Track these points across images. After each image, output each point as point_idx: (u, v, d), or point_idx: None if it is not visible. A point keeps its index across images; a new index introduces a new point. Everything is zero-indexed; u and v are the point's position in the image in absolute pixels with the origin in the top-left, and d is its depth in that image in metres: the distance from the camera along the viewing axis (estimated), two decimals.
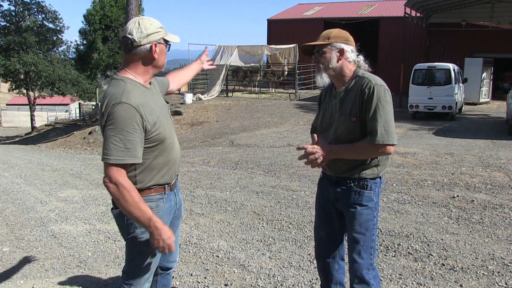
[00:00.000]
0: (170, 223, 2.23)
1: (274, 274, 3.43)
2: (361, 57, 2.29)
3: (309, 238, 4.14)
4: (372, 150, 2.16)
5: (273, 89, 22.14)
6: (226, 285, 3.28)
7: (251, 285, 3.27)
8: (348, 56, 2.24)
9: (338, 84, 2.29)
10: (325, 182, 2.41)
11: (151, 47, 1.97)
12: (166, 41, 2.04)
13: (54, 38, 31.44)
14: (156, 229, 1.92)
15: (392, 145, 2.15)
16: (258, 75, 21.54)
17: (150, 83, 2.12)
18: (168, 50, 2.09)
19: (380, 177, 2.29)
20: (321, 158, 2.21)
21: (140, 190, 1.97)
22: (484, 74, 18.48)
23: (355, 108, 2.18)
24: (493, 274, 3.31)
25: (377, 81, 2.17)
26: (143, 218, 1.90)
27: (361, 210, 2.25)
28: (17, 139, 26.23)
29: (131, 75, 2.00)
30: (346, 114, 2.21)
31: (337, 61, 2.23)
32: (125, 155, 1.86)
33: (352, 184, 2.25)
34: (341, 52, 2.23)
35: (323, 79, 2.28)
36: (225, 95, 20.83)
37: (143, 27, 1.96)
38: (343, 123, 2.23)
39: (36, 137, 23.53)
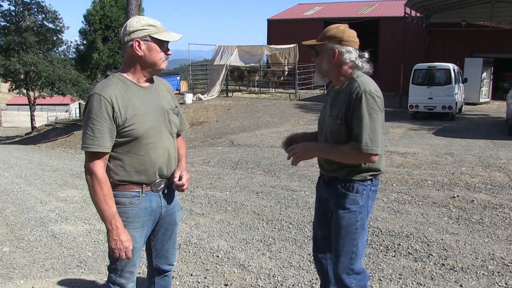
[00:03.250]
0: (163, 229, 2.25)
1: (274, 274, 3.42)
2: (363, 58, 2.20)
3: (309, 238, 4.14)
4: (354, 157, 2.11)
5: (273, 89, 22.14)
6: (226, 285, 3.28)
7: (251, 285, 3.27)
8: (344, 58, 2.16)
9: (335, 83, 2.26)
10: (320, 182, 2.41)
11: (132, 44, 1.99)
12: (157, 40, 2.02)
13: (54, 38, 31.43)
14: (116, 228, 1.97)
15: (376, 154, 2.08)
16: (256, 75, 21.54)
17: (153, 83, 2.13)
18: (166, 49, 2.06)
19: (371, 180, 2.22)
20: (299, 155, 2.23)
21: (117, 184, 2.03)
22: (484, 74, 18.48)
23: (342, 112, 2.14)
24: (493, 274, 3.31)
25: (367, 87, 2.08)
26: (106, 213, 1.97)
27: (342, 213, 2.21)
28: (17, 139, 26.23)
29: (125, 73, 2.07)
30: (334, 116, 2.20)
31: (330, 63, 2.18)
32: (93, 143, 1.92)
33: (338, 185, 2.23)
34: (334, 53, 2.16)
35: (318, 79, 2.31)
36: (225, 95, 20.83)
37: (128, 25, 2.02)
38: (330, 125, 2.22)
39: (36, 137, 23.54)
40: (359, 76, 2.16)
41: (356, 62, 2.18)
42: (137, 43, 1.99)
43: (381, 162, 2.24)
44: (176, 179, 2.16)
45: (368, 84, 2.10)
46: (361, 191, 2.20)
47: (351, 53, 2.17)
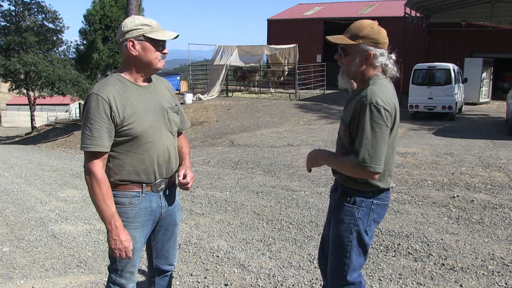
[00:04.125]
0: (163, 229, 2.25)
1: (274, 274, 3.42)
2: (391, 60, 2.05)
3: (309, 238, 4.14)
4: (352, 171, 2.00)
5: (273, 89, 22.15)
6: (226, 285, 3.28)
7: (251, 285, 3.27)
8: (375, 61, 2.01)
9: (358, 85, 2.11)
10: (333, 185, 2.38)
11: (127, 44, 1.99)
12: (151, 39, 2.00)
13: (54, 38, 31.47)
14: (115, 228, 1.96)
15: (376, 172, 1.94)
16: (257, 75, 21.55)
17: (152, 83, 2.12)
18: (162, 48, 2.04)
19: (373, 192, 2.08)
20: (307, 163, 2.23)
21: (117, 184, 2.02)
22: (484, 74, 18.49)
23: (348, 117, 2.03)
24: (493, 274, 3.31)
25: (374, 98, 1.92)
26: (106, 213, 1.96)
27: (336, 223, 2.15)
28: (17, 139, 26.23)
29: (122, 73, 2.06)
30: (342, 119, 2.12)
31: (360, 65, 2.01)
32: (91, 143, 1.92)
33: (339, 192, 2.17)
34: (367, 56, 2.00)
35: (344, 82, 2.10)
36: (225, 95, 20.83)
37: (123, 25, 2.01)
38: (339, 128, 2.16)
39: (36, 137, 23.54)
40: (374, 83, 2.00)
41: (388, 65, 2.03)
42: (131, 43, 1.98)
43: (384, 179, 2.08)
44: (180, 178, 2.17)
45: (377, 94, 1.93)
46: (358, 202, 2.08)
47: (384, 56, 2.02)
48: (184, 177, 2.18)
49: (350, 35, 2.01)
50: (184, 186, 2.17)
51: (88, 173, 1.95)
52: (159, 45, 2.03)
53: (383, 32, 2.03)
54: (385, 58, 2.03)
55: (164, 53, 2.06)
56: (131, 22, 2.00)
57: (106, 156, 1.98)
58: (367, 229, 2.12)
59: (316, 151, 2.24)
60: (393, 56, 2.06)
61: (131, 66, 2.04)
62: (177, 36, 2.06)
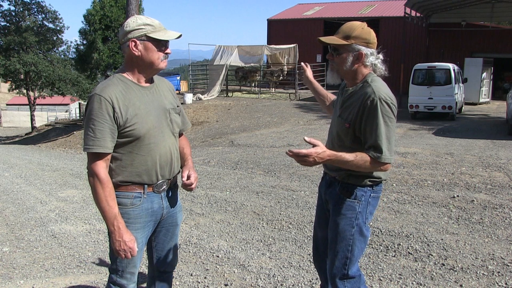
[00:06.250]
0: (164, 229, 2.25)
1: (274, 274, 3.43)
2: (379, 60, 2.13)
3: (309, 238, 4.14)
4: (372, 167, 2.04)
5: (273, 89, 22.15)
6: (226, 285, 3.28)
7: (251, 285, 3.27)
8: (366, 60, 2.09)
9: (350, 84, 2.18)
10: (322, 182, 2.39)
11: (129, 44, 1.97)
12: (154, 39, 1.99)
13: (54, 38, 31.46)
14: (118, 229, 1.95)
15: (390, 163, 2.05)
16: (257, 74, 21.56)
17: (154, 83, 2.12)
18: (164, 48, 2.03)
19: (371, 186, 2.16)
20: (315, 160, 1.96)
21: (119, 185, 2.01)
22: (484, 74, 18.49)
23: (352, 115, 2.07)
24: (493, 274, 3.31)
25: (381, 94, 2.01)
26: (108, 214, 1.94)
27: (338, 219, 2.17)
28: (17, 139, 26.22)
29: (125, 73, 2.05)
30: (343, 118, 2.13)
31: (353, 65, 2.09)
32: (94, 144, 1.91)
33: (337, 188, 2.19)
34: (359, 56, 2.07)
35: (334, 79, 2.16)
36: (225, 95, 20.84)
37: (125, 25, 2.00)
38: (338, 126, 2.17)
39: (36, 137, 23.54)
40: (373, 81, 2.08)
41: (377, 64, 2.13)
42: (133, 43, 1.97)
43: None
44: (184, 178, 2.16)
45: (382, 91, 2.03)
46: (359, 197, 2.15)
47: (374, 55, 2.11)
48: (188, 177, 2.17)
49: (342, 35, 2.09)
50: (188, 187, 2.16)
51: (92, 174, 1.93)
52: (161, 45, 2.01)
53: (373, 33, 2.13)
54: (374, 58, 2.12)
55: (166, 53, 2.05)
56: (133, 22, 1.98)
57: (109, 157, 1.97)
58: (365, 222, 2.20)
59: (328, 152, 2.02)
60: (380, 56, 2.15)
61: (134, 66, 2.03)
62: (179, 36, 2.05)
